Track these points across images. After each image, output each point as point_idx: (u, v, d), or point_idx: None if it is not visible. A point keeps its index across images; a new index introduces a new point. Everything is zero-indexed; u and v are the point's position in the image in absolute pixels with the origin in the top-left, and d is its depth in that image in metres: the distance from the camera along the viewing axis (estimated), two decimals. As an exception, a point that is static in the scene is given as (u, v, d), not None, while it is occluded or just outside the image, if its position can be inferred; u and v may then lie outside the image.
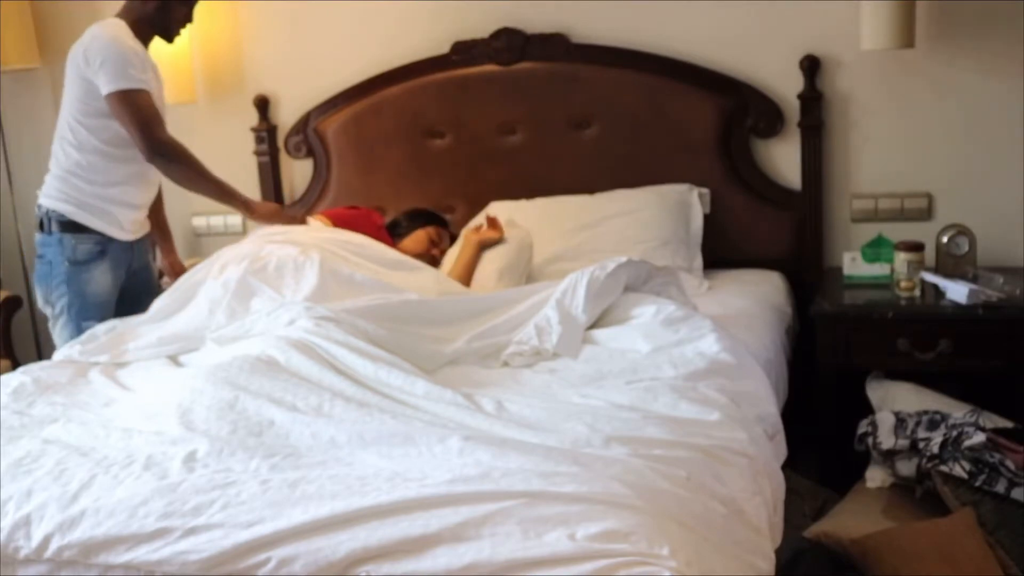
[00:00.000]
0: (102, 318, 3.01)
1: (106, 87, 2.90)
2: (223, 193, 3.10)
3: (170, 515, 1.83)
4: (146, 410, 2.34)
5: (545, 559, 1.65)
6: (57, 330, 3.10)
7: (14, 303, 4.00)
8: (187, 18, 3.10)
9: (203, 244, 4.03)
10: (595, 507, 1.74)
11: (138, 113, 2.91)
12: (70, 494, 1.92)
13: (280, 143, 3.89)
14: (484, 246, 3.20)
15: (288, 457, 2.01)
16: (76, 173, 3.02)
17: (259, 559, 1.73)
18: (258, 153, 3.89)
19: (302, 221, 3.22)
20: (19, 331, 4.07)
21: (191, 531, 1.79)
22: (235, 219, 4.01)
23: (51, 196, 3.05)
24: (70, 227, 3.03)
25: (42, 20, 4.01)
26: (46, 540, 1.85)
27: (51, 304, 3.09)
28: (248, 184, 3.93)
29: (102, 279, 3.06)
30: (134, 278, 3.18)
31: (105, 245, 3.06)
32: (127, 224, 3.11)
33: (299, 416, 2.20)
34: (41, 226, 3.08)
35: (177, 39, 3.15)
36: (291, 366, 2.40)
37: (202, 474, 1.96)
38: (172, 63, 3.74)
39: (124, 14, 3.04)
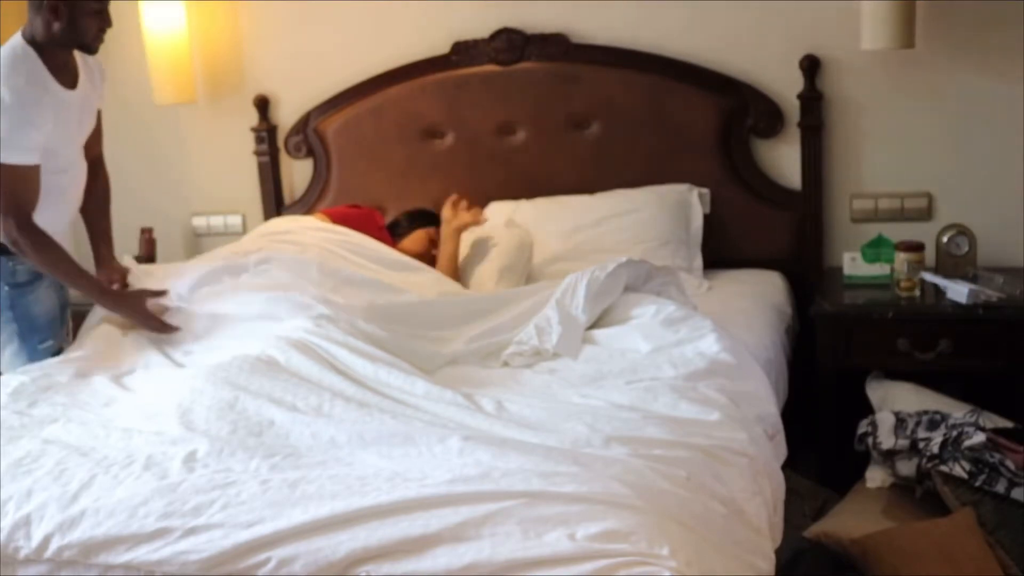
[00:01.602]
0: (54, 337, 2.89)
1: None
2: (77, 280, 2.78)
3: (170, 515, 1.83)
4: (146, 410, 2.34)
5: (545, 559, 1.65)
6: (6, 359, 2.87)
7: (14, 303, 3.99)
8: (103, 28, 2.74)
9: (203, 244, 4.03)
10: (595, 507, 1.74)
11: (12, 193, 2.64)
12: (70, 494, 1.93)
13: (280, 143, 3.89)
14: (462, 231, 3.20)
15: (288, 457, 2.02)
16: None
17: (259, 559, 1.74)
18: (258, 153, 3.89)
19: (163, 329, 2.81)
20: (19, 331, 4.06)
21: (191, 531, 1.80)
22: (235, 219, 4.01)
23: None
24: (2, 250, 2.78)
25: (42, 20, 4.00)
26: (46, 540, 1.86)
27: None
28: (248, 184, 3.94)
29: (46, 297, 2.87)
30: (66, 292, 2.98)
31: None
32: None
33: (299, 416, 2.20)
34: None
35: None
36: (291, 366, 2.41)
37: (202, 474, 1.96)
38: (172, 63, 3.74)
39: (32, 36, 2.68)
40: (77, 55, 2.80)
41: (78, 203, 2.95)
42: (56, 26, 2.65)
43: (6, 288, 2.81)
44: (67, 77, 2.76)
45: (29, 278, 2.83)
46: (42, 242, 2.71)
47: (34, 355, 2.84)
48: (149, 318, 2.78)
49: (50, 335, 2.88)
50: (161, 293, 2.80)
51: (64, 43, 2.70)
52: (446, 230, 3.23)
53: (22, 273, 2.81)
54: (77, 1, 2.64)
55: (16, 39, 2.69)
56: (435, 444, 2.01)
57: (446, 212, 3.27)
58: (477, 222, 3.23)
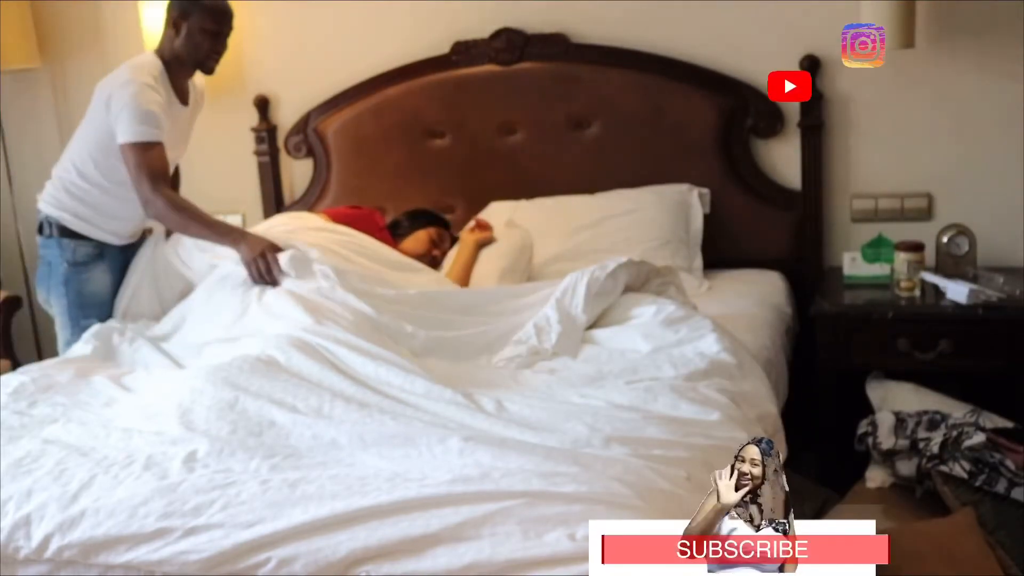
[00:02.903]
0: (100, 318, 3.08)
1: (120, 136, 2.93)
2: (219, 235, 3.01)
3: (170, 515, 1.83)
4: (146, 410, 2.35)
5: (545, 559, 1.65)
6: (58, 329, 3.18)
7: (14, 303, 4.00)
8: (216, 50, 3.07)
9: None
10: (595, 507, 1.74)
11: (142, 168, 2.93)
12: (70, 494, 1.93)
13: (280, 143, 3.89)
14: (481, 246, 3.20)
15: (288, 457, 2.02)
16: (77, 196, 3.08)
17: (259, 559, 1.74)
18: (258, 153, 3.89)
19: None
20: (19, 331, 4.07)
21: (191, 531, 1.80)
22: (235, 219, 3.97)
23: (50, 204, 3.11)
24: (68, 233, 3.09)
25: (42, 20, 4.00)
26: (46, 540, 1.86)
27: (50, 304, 3.18)
28: (248, 184, 3.94)
29: (100, 279, 3.12)
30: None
31: (103, 248, 3.12)
32: (123, 235, 3.17)
33: (299, 417, 2.20)
34: (41, 229, 3.14)
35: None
36: (291, 366, 2.41)
37: (202, 474, 1.96)
38: (172, 63, 3.74)
39: (160, 50, 3.06)
40: (190, 83, 3.13)
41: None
42: (176, 41, 3.01)
43: (65, 265, 3.09)
44: (182, 95, 3.11)
45: (87, 260, 3.10)
46: (174, 204, 2.97)
47: (76, 330, 3.06)
48: (273, 263, 2.87)
49: (95, 315, 3.09)
50: (279, 249, 2.92)
51: (183, 59, 3.03)
52: (467, 239, 3.23)
53: (82, 255, 3.09)
54: (193, 17, 2.98)
55: (149, 53, 3.08)
56: (435, 444, 2.01)
57: (465, 232, 3.30)
58: (494, 238, 3.26)
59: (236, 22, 3.92)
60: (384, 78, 3.70)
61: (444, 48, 3.64)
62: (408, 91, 3.67)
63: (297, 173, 3.93)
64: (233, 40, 3.90)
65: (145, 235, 3.28)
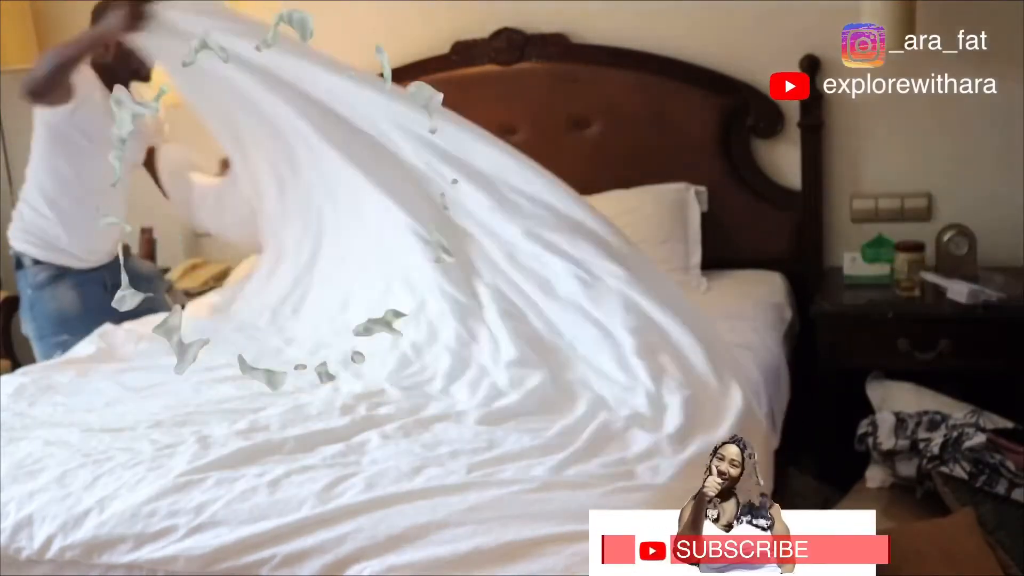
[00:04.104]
0: (69, 332, 3.08)
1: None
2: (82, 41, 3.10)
3: (173, 514, 1.84)
4: (148, 409, 2.35)
5: (551, 537, 1.67)
6: (37, 353, 3.22)
7: (14, 303, 4.00)
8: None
9: (203, 244, 4.03)
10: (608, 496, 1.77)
11: None
12: (72, 494, 1.93)
13: (280, 143, 3.88)
14: None
15: (292, 453, 2.03)
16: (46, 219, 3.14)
17: (263, 555, 1.74)
18: (258, 153, 3.89)
19: None
20: (19, 331, 4.06)
21: (195, 529, 1.81)
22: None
23: (17, 239, 3.18)
24: (32, 261, 3.16)
25: (42, 20, 4.00)
26: (48, 541, 1.86)
27: (28, 332, 3.26)
28: (248, 184, 3.93)
29: (64, 296, 3.15)
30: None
31: (63, 270, 3.15)
32: (83, 259, 3.19)
33: (304, 413, 2.22)
34: (18, 264, 3.21)
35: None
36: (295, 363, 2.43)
37: (205, 472, 1.97)
38: (172, 63, 3.74)
39: None
40: None
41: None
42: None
43: (29, 291, 3.17)
44: None
45: (47, 281, 3.15)
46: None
47: (48, 349, 3.11)
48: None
49: (64, 331, 3.10)
50: None
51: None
52: None
53: (42, 278, 3.15)
54: None
55: None
56: (442, 433, 2.04)
57: None
58: None
59: (236, 22, 3.92)
60: (384, 78, 3.70)
61: (444, 48, 3.64)
62: (408, 91, 3.67)
63: (297, 173, 3.93)
64: (233, 40, 3.90)
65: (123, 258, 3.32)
